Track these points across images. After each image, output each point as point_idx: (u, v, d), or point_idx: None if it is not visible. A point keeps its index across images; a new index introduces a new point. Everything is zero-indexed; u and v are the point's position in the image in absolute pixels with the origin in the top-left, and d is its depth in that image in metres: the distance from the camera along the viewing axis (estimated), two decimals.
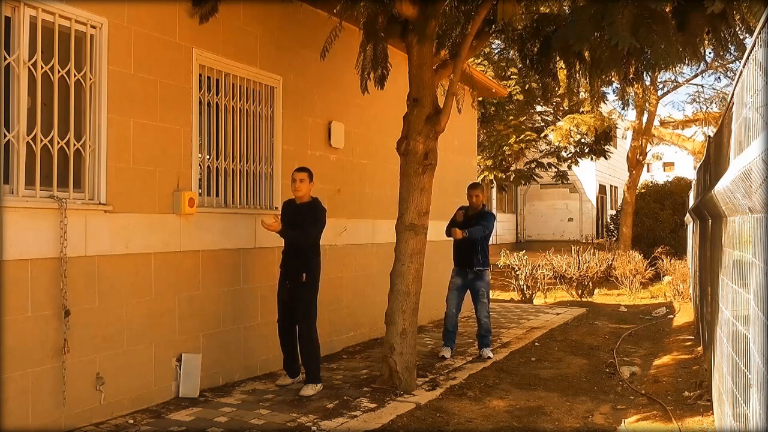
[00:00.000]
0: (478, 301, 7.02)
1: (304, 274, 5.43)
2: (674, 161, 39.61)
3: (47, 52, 4.32)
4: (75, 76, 4.49)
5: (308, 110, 6.75)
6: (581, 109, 17.24)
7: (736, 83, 3.24)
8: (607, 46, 5.17)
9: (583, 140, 18.77)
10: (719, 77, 22.51)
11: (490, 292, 7.41)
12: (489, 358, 6.85)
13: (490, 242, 7.33)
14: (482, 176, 18.00)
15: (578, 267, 12.85)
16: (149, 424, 4.59)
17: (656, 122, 20.54)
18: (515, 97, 16.72)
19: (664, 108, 40.80)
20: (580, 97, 14.22)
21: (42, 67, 4.26)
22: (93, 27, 4.59)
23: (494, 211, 24.92)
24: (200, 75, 5.48)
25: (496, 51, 16.50)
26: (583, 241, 22.31)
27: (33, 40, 4.21)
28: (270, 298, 6.19)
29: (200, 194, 5.57)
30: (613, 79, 6.60)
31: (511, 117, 17.65)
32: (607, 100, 18.14)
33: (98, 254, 4.59)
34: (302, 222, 5.45)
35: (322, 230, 5.58)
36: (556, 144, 18.71)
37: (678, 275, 13.00)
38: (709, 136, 7.13)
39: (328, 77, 6.98)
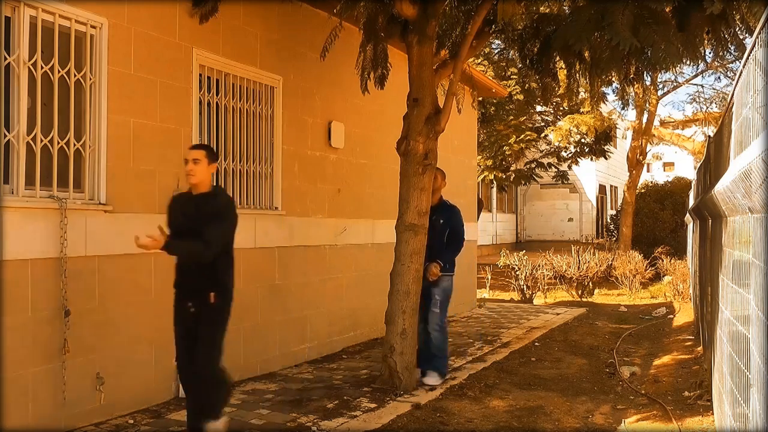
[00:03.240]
0: (428, 310, 5.79)
1: (213, 294, 4.05)
2: (674, 161, 39.60)
3: (47, 52, 4.32)
4: (75, 76, 4.49)
5: (308, 110, 6.75)
6: (581, 109, 17.24)
7: (736, 83, 3.24)
8: (608, 46, 5.18)
9: (583, 140, 18.77)
10: (719, 77, 22.59)
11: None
12: (430, 386, 5.56)
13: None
14: (482, 176, 18.00)
15: (578, 267, 12.85)
16: (149, 424, 4.59)
17: (656, 122, 20.56)
18: (515, 97, 16.71)
19: (664, 108, 40.89)
20: (580, 97, 14.21)
21: (42, 67, 4.26)
22: (93, 27, 4.59)
23: (494, 212, 24.92)
24: (200, 75, 5.48)
25: (496, 51, 16.49)
26: (583, 241, 22.32)
27: (33, 40, 4.21)
28: (270, 297, 6.20)
29: None
30: (613, 79, 6.59)
31: (511, 117, 17.64)
32: (607, 100, 18.15)
33: (98, 254, 4.59)
34: (201, 221, 3.95)
35: (234, 230, 4.15)
36: (556, 144, 18.71)
37: (678, 275, 13.00)
38: (709, 136, 7.14)
39: (328, 77, 6.98)
